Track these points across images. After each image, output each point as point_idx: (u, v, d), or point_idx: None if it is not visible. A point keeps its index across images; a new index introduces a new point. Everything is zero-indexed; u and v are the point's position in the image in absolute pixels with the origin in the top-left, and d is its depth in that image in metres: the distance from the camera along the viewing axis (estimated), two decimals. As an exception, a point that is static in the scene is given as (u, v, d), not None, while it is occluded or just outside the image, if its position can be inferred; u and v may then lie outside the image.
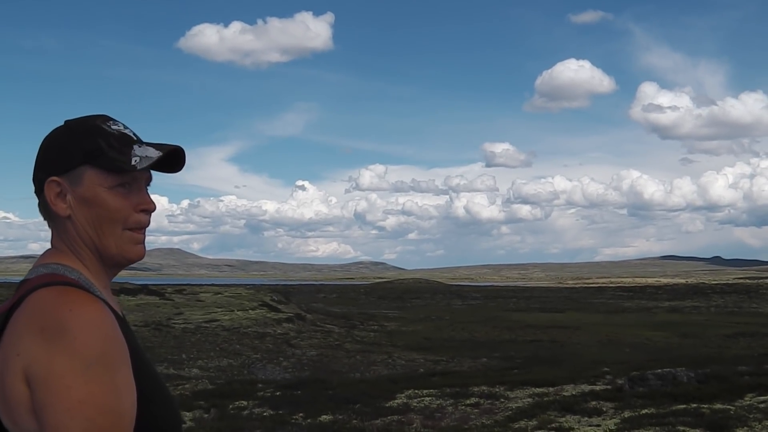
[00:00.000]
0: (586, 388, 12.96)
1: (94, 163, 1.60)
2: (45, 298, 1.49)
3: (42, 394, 1.41)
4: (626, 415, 10.31)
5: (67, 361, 1.41)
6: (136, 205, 1.63)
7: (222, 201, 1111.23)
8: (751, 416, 9.56)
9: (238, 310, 37.19)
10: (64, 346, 1.42)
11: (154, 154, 1.62)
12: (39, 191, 1.64)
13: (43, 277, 1.56)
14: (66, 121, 1.68)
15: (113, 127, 1.64)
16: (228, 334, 31.28)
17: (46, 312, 1.46)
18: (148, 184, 1.68)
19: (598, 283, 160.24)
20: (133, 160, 1.60)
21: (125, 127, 1.66)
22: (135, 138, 1.65)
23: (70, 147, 1.62)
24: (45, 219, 1.67)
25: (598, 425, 9.98)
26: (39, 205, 1.66)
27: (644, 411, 10.40)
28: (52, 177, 1.61)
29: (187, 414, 12.41)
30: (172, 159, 1.68)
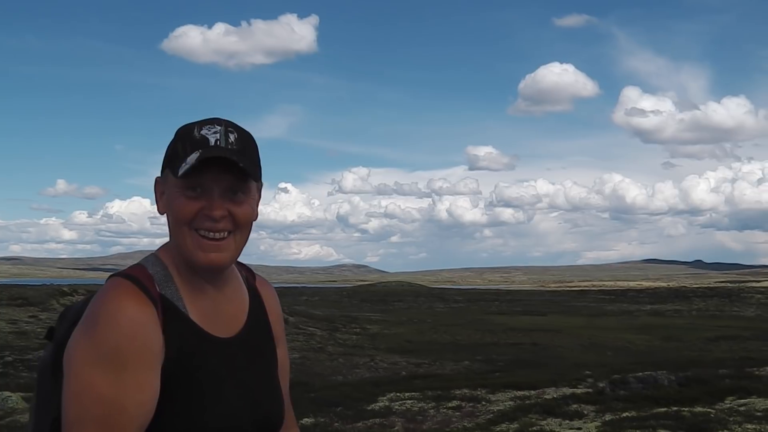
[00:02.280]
0: (568, 391, 12.98)
1: (170, 167, 1.65)
2: (104, 286, 1.61)
3: (64, 375, 1.53)
4: (607, 418, 10.32)
5: (83, 350, 1.51)
6: (201, 209, 1.62)
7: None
8: (732, 419, 9.58)
9: (220, 313, 37.04)
10: (87, 335, 1.52)
11: (192, 160, 1.59)
12: None
13: (129, 267, 1.68)
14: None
15: (202, 131, 1.63)
16: (210, 336, 31.16)
17: (94, 300, 1.58)
18: (235, 191, 1.64)
19: (580, 287, 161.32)
20: (181, 166, 1.60)
21: (216, 132, 1.63)
22: (212, 143, 1.61)
23: (168, 148, 1.69)
24: None
25: (579, 428, 9.99)
26: None
27: (625, 414, 10.41)
28: (157, 176, 1.71)
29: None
30: (220, 162, 1.61)
